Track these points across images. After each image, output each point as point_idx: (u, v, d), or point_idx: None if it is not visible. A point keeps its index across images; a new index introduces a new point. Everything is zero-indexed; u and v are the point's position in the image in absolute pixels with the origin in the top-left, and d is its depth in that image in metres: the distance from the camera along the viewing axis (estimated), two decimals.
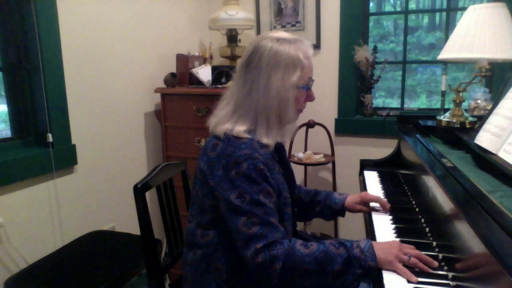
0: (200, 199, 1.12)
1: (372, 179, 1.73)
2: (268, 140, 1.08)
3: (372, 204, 1.39)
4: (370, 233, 1.22)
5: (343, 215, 1.42)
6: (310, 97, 1.17)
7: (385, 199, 1.37)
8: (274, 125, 1.10)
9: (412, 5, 2.81)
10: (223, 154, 1.04)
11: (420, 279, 0.92)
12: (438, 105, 2.46)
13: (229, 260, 1.09)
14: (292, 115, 1.13)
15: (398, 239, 1.10)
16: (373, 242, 1.03)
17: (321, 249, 0.99)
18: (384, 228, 1.22)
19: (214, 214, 1.09)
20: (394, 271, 0.97)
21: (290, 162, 1.42)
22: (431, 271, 0.96)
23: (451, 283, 0.90)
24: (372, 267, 0.97)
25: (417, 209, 1.34)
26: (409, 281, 0.93)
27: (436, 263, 0.97)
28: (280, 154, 1.25)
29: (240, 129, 1.07)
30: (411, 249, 1.01)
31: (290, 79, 1.08)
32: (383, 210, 1.34)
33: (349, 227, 2.63)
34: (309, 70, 1.12)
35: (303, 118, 2.51)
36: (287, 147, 2.50)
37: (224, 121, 1.11)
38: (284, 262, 0.97)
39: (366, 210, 1.37)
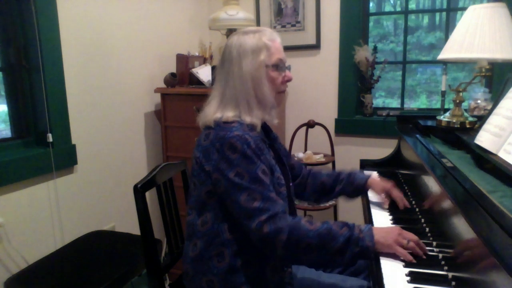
0: (198, 188, 1.16)
1: None
2: (252, 119, 1.16)
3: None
4: None
5: (366, 192, 1.45)
6: (286, 77, 1.23)
7: (406, 202, 1.37)
8: (254, 107, 1.17)
9: (412, 5, 2.81)
10: (216, 138, 1.11)
11: (418, 271, 0.93)
12: (438, 105, 2.46)
13: (231, 242, 1.12)
14: (270, 95, 1.19)
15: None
16: (374, 227, 1.07)
17: (325, 226, 1.05)
18: None
19: (212, 199, 1.13)
20: (394, 255, 1.02)
21: (286, 153, 1.47)
22: (424, 256, 1.01)
23: (451, 283, 0.90)
24: (369, 247, 1.02)
25: (417, 209, 1.34)
26: (405, 267, 0.95)
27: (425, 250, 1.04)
28: (274, 141, 1.33)
29: (228, 114, 1.15)
30: (410, 235, 1.05)
31: (258, 60, 1.16)
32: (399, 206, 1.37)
33: None
34: (276, 50, 1.19)
35: (303, 118, 2.52)
36: (287, 147, 2.50)
37: (212, 112, 1.18)
38: (289, 234, 1.02)
39: (386, 202, 1.39)
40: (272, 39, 1.19)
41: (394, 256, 1.02)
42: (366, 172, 1.78)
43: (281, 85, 1.23)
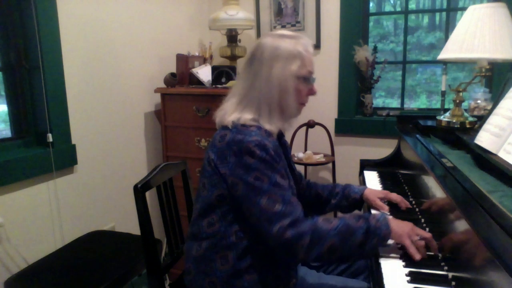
0: (207, 190, 1.14)
1: (372, 179, 1.73)
2: (271, 126, 1.13)
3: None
4: None
5: (360, 208, 1.42)
6: (311, 91, 1.20)
7: (407, 202, 1.37)
8: (275, 115, 1.15)
9: (412, 5, 2.82)
10: (233, 141, 1.08)
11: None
12: (438, 105, 2.46)
13: (237, 246, 1.11)
14: (294, 106, 1.17)
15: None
16: (388, 217, 1.09)
17: (343, 222, 1.05)
18: None
19: (222, 202, 1.12)
20: (394, 248, 1.05)
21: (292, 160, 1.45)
22: (425, 256, 1.02)
23: (451, 283, 0.90)
24: (386, 235, 1.04)
25: (417, 209, 1.34)
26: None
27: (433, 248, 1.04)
28: (284, 147, 1.30)
29: (247, 117, 1.12)
30: (424, 233, 1.06)
31: (289, 68, 1.13)
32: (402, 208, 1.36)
33: None
34: (309, 62, 1.16)
35: (303, 118, 2.51)
36: None
37: (230, 112, 1.15)
38: (311, 238, 1.01)
39: (386, 208, 1.34)
40: (307, 49, 1.16)
41: (394, 250, 1.04)
42: (368, 174, 1.79)
43: (305, 98, 1.20)
